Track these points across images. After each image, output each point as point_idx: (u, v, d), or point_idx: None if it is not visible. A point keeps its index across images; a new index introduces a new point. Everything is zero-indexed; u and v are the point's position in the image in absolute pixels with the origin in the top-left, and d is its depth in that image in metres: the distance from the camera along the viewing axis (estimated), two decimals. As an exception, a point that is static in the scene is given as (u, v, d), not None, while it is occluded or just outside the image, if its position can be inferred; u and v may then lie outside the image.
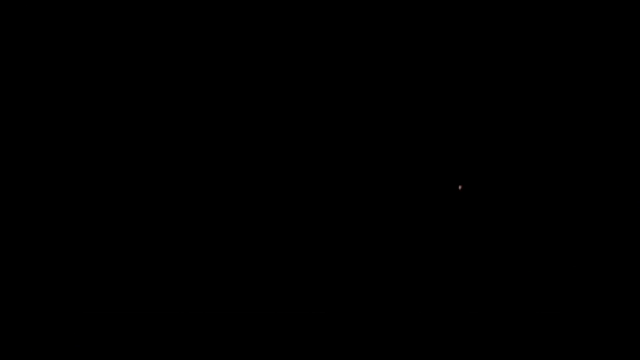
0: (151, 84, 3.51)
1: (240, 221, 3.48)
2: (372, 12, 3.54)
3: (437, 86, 3.55)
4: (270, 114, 3.53)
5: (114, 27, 3.50)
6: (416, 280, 3.46)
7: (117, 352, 3.32)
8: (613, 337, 3.36)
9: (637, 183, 3.48)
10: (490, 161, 3.54)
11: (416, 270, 3.46)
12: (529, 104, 3.54)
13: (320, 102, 3.54)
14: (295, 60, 3.54)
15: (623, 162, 3.50)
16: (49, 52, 3.48)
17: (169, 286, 3.42)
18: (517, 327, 3.39)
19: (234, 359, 3.34)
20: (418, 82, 3.55)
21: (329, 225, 3.48)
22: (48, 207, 3.43)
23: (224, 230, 3.47)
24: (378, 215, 3.49)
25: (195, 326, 3.36)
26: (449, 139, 3.54)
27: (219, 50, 3.53)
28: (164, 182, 3.48)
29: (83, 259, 3.41)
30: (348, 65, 3.54)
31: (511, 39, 3.54)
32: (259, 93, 3.54)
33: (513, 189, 3.52)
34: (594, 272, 3.44)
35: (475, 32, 3.55)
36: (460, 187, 3.52)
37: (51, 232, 3.41)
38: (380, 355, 3.36)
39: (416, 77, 3.55)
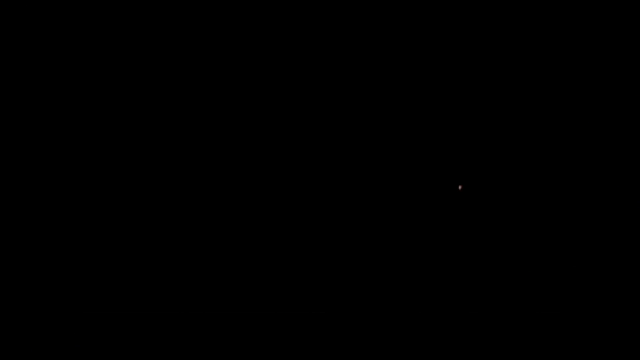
0: (151, 84, 3.51)
1: (240, 221, 3.48)
2: (372, 12, 3.54)
3: (437, 86, 3.55)
4: (271, 114, 3.53)
5: (114, 27, 3.50)
6: (416, 280, 3.46)
7: (117, 352, 3.32)
8: (613, 337, 3.36)
9: (637, 183, 3.48)
10: (490, 161, 3.54)
11: (416, 270, 3.46)
12: (529, 104, 3.54)
13: (320, 102, 3.54)
14: (295, 60, 3.54)
15: (623, 162, 3.50)
16: (49, 52, 3.48)
17: (169, 286, 3.42)
18: (517, 327, 3.39)
19: (234, 359, 3.34)
20: (418, 82, 3.55)
21: (329, 225, 3.48)
22: (48, 207, 3.43)
23: (224, 230, 3.47)
24: (378, 215, 3.49)
25: (195, 326, 3.36)
26: (449, 139, 3.54)
27: (219, 50, 3.53)
28: (163, 182, 3.48)
29: (83, 259, 3.41)
30: (348, 65, 3.54)
31: (511, 39, 3.54)
32: (259, 93, 3.54)
33: (513, 189, 3.52)
34: (594, 272, 3.44)
35: (475, 32, 3.55)
36: (460, 187, 3.52)
37: (51, 232, 3.41)
38: (380, 355, 3.36)
39: (416, 77, 3.55)
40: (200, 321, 3.37)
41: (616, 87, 3.53)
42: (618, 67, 3.53)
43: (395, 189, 3.51)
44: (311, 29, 3.54)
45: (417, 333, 3.39)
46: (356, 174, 3.52)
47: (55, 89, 3.48)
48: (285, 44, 3.54)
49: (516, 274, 3.46)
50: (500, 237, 3.49)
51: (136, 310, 3.38)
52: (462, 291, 3.45)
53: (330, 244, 3.47)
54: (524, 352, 3.36)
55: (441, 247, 3.48)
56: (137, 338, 3.34)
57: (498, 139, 3.54)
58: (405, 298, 3.44)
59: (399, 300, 3.44)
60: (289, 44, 3.54)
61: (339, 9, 3.54)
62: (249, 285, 3.44)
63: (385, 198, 3.51)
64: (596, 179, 3.50)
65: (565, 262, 3.46)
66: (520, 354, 3.36)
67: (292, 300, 3.43)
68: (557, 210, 3.49)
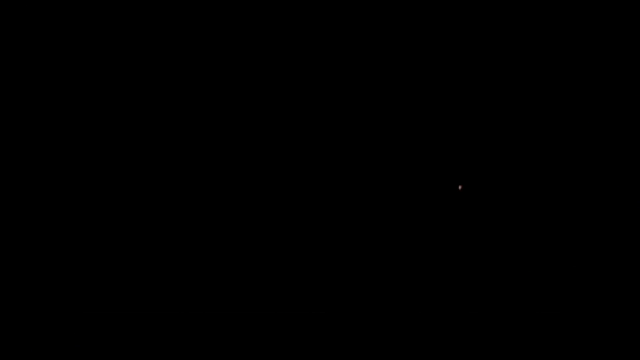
0: (151, 84, 3.51)
1: (240, 221, 3.48)
2: (372, 12, 3.54)
3: (437, 86, 3.55)
4: (270, 114, 3.53)
5: (114, 27, 3.50)
6: (416, 280, 3.46)
7: (117, 352, 3.32)
8: (613, 337, 3.36)
9: (637, 183, 3.48)
10: (490, 161, 3.54)
11: (416, 270, 3.46)
12: (529, 104, 3.54)
13: (320, 102, 3.54)
14: (295, 61, 3.54)
15: (623, 162, 3.50)
16: (49, 52, 3.48)
17: (169, 286, 3.42)
18: (517, 327, 3.39)
19: (234, 359, 3.34)
20: (418, 82, 3.55)
21: (329, 225, 3.48)
22: (48, 207, 3.43)
23: (224, 230, 3.46)
24: (378, 215, 3.49)
25: (195, 326, 3.36)
26: (449, 139, 3.54)
27: (219, 50, 3.53)
28: (163, 182, 3.48)
29: (83, 259, 3.41)
30: (348, 66, 3.54)
31: (511, 39, 3.54)
32: (258, 93, 3.54)
33: (513, 189, 3.52)
34: (594, 272, 3.44)
35: (475, 32, 3.55)
36: (460, 187, 3.52)
37: (51, 232, 3.41)
38: (380, 355, 3.36)
39: (416, 77, 3.55)
40: (201, 321, 3.37)
41: (616, 87, 3.53)
42: (618, 67, 3.53)
43: (396, 189, 3.51)
44: (311, 29, 3.54)
45: (417, 333, 3.38)
46: (356, 174, 3.51)
47: (56, 89, 3.48)
48: (285, 44, 3.54)
49: (516, 274, 3.46)
50: (500, 237, 3.49)
51: (136, 310, 3.38)
52: (462, 291, 3.45)
53: (330, 244, 3.47)
54: (524, 352, 3.36)
55: (441, 247, 3.48)
56: (137, 338, 3.34)
57: (498, 139, 3.54)
58: (406, 298, 3.44)
59: (399, 300, 3.44)
60: (289, 44, 3.54)
61: (339, 9, 3.53)
62: (249, 285, 3.44)
63: (385, 198, 3.51)
64: (596, 179, 3.50)
65: (565, 262, 3.45)
66: (520, 354, 3.36)
67: (292, 300, 3.43)
68: (557, 210, 3.49)
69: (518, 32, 3.54)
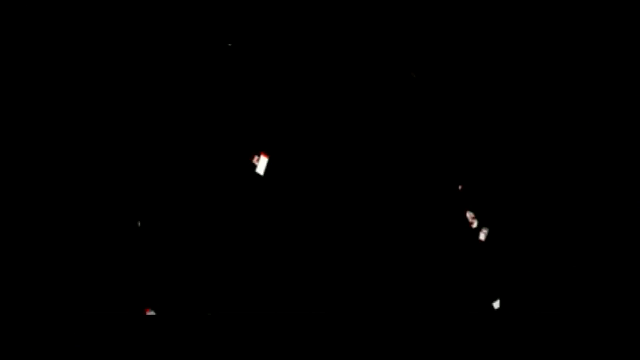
0: (151, 84, 3.51)
1: (240, 221, 3.48)
2: (372, 12, 3.55)
3: (437, 87, 3.55)
4: (269, 114, 3.53)
5: (113, 27, 3.51)
6: (416, 280, 3.46)
7: (117, 352, 3.32)
8: (613, 337, 3.36)
9: (637, 183, 3.48)
10: (490, 161, 3.54)
11: (416, 270, 3.46)
12: (529, 104, 3.54)
13: (320, 102, 3.54)
14: (294, 61, 3.54)
15: (623, 162, 3.50)
16: (49, 52, 3.49)
17: (169, 286, 3.42)
18: (517, 327, 3.39)
19: (234, 359, 3.34)
20: (418, 82, 3.55)
21: (329, 225, 3.48)
22: (48, 207, 3.43)
23: (223, 230, 3.47)
24: (378, 215, 3.49)
25: (195, 326, 3.36)
26: (449, 139, 3.55)
27: (219, 50, 3.53)
28: (163, 182, 3.48)
29: (83, 259, 3.41)
30: (348, 66, 3.54)
31: (511, 39, 3.54)
32: (258, 93, 3.54)
33: (513, 189, 3.52)
34: (594, 272, 3.44)
35: (475, 33, 3.55)
36: (460, 187, 3.52)
37: (51, 232, 3.41)
38: (380, 355, 3.36)
39: (416, 78, 3.55)
40: (200, 321, 3.37)
41: (616, 87, 3.53)
42: (618, 67, 3.53)
43: (395, 189, 3.51)
44: (310, 29, 3.54)
45: (417, 333, 3.39)
46: (356, 174, 3.52)
47: (56, 89, 3.48)
48: (285, 44, 3.54)
49: (516, 274, 3.46)
50: (501, 237, 3.49)
51: (136, 310, 3.38)
52: (462, 291, 3.45)
53: (330, 244, 3.47)
54: (524, 352, 3.36)
55: (441, 247, 3.48)
56: (137, 338, 3.34)
57: (498, 139, 3.55)
58: (406, 298, 3.44)
59: (399, 300, 3.44)
60: (289, 44, 3.54)
61: (339, 9, 3.54)
62: (249, 285, 3.44)
63: (385, 198, 3.51)
64: (596, 179, 3.50)
65: (566, 262, 3.46)
66: (521, 354, 3.36)
67: (292, 300, 3.43)
68: (557, 210, 3.49)
69: (518, 32, 3.54)
